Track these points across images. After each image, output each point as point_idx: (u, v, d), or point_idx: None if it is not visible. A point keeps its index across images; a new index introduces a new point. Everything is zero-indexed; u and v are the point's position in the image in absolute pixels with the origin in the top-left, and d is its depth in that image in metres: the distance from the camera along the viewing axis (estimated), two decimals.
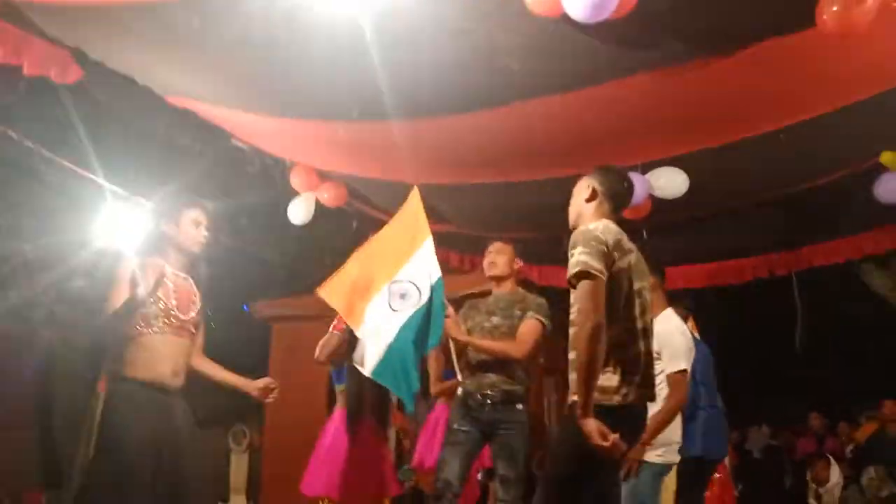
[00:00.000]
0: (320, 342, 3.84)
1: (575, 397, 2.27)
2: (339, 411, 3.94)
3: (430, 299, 3.36)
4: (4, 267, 6.57)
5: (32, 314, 7.44)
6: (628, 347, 2.37)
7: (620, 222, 2.59)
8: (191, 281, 2.87)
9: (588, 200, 2.57)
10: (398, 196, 3.87)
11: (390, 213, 5.68)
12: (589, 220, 2.53)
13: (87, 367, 8.90)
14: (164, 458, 2.59)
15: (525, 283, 6.21)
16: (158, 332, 2.68)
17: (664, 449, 3.16)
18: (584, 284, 2.29)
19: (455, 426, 3.43)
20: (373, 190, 5.15)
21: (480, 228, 5.02)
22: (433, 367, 4.13)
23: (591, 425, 2.21)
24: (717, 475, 4.73)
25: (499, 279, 3.75)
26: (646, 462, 3.13)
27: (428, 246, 3.56)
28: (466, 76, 3.39)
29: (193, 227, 2.83)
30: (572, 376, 2.32)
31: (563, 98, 3.50)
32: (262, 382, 3.07)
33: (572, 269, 2.33)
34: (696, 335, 4.81)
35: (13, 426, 10.31)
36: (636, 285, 2.41)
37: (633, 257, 2.44)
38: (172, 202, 2.89)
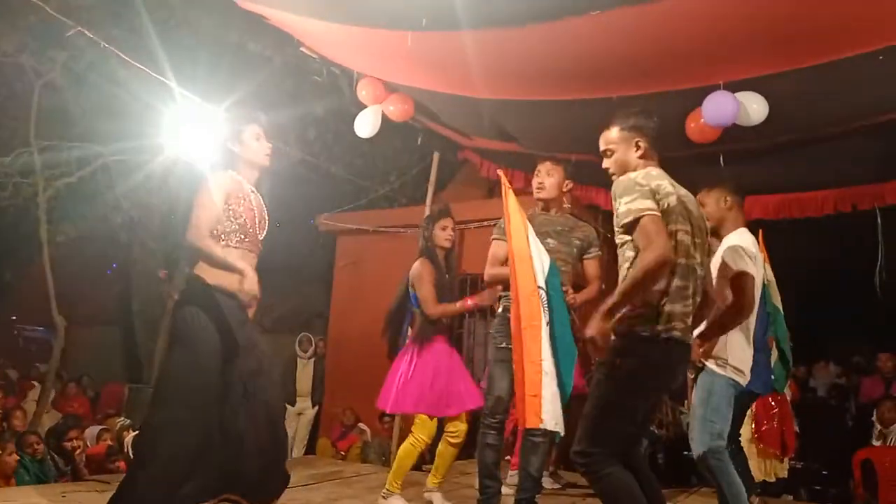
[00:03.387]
0: (441, 308, 3.73)
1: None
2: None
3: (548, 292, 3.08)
4: (85, 169, 6.84)
5: (112, 217, 7.75)
6: (666, 283, 2.45)
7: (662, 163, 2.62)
8: (261, 197, 2.95)
9: (639, 155, 2.62)
10: (463, 111, 3.78)
11: (455, 130, 5.63)
12: (633, 167, 2.60)
13: (163, 266, 9.34)
14: (239, 359, 2.68)
15: (591, 208, 6.12)
16: (235, 247, 2.76)
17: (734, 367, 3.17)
18: (642, 223, 2.40)
19: (503, 344, 3.42)
20: (438, 105, 5.05)
21: (547, 148, 4.89)
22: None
23: (601, 326, 2.34)
24: (776, 410, 4.67)
25: (547, 202, 3.56)
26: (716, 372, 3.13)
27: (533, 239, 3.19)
28: None
29: (255, 141, 2.90)
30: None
31: (641, 9, 3.31)
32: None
33: (624, 218, 2.43)
34: (768, 267, 4.68)
35: (97, 322, 11.04)
36: (671, 227, 2.47)
37: (673, 200, 2.49)
38: (231, 121, 2.94)
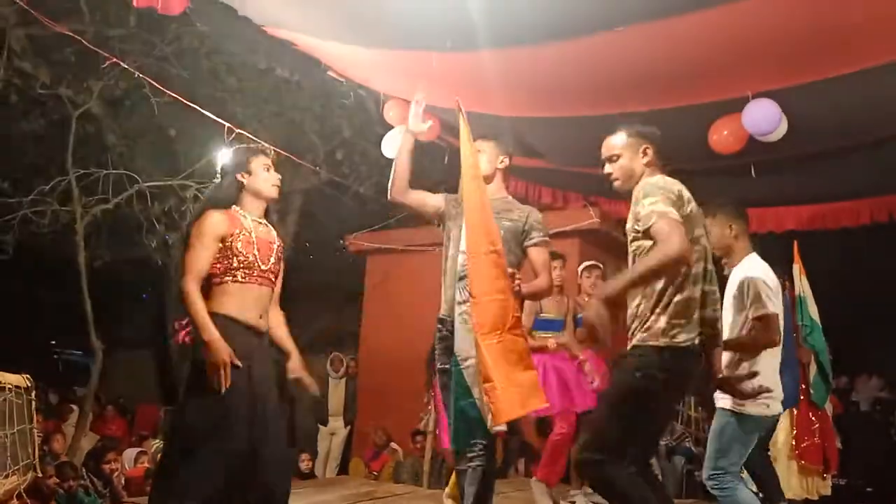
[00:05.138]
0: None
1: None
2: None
3: None
4: (122, 195, 6.98)
5: (147, 241, 7.90)
6: (681, 291, 2.41)
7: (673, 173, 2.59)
8: (270, 227, 2.92)
9: (646, 162, 2.58)
10: (489, 130, 3.78)
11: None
12: (639, 174, 2.57)
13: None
14: (256, 391, 2.67)
15: (621, 222, 6.08)
16: (241, 282, 2.74)
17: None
18: (662, 223, 2.33)
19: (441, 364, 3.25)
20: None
21: (572, 163, 4.88)
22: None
23: (602, 312, 2.25)
24: (817, 425, 4.56)
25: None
26: (721, 409, 3.03)
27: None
28: (561, 1, 3.24)
29: (265, 172, 2.87)
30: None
31: (663, 24, 3.30)
32: (296, 360, 2.99)
33: (646, 220, 2.35)
34: (804, 279, 4.59)
35: (133, 345, 11.21)
36: (695, 232, 2.45)
37: (692, 207, 2.47)
38: (240, 151, 2.94)
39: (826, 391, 4.59)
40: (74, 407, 7.96)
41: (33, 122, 7.62)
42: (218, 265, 2.71)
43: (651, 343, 2.38)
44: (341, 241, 8.36)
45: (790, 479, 4.27)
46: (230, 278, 2.72)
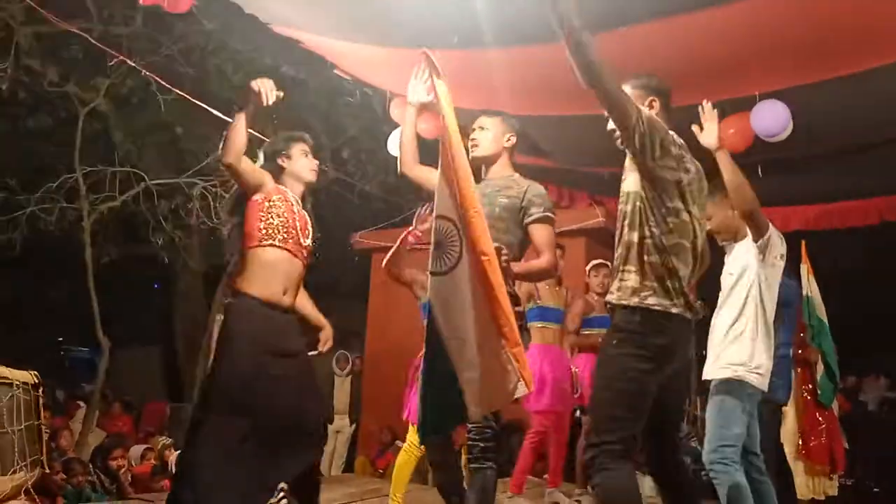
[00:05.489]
0: None
1: None
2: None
3: None
4: (128, 193, 7.01)
5: (154, 239, 7.93)
6: (651, 255, 2.37)
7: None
8: (307, 212, 3.04)
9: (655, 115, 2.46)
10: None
11: None
12: None
13: (203, 293, 9.51)
14: (279, 374, 2.73)
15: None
16: (279, 246, 2.80)
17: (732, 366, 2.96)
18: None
19: None
20: (469, 122, 5.08)
21: (579, 162, 4.87)
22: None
23: None
24: (824, 425, 4.54)
25: (486, 162, 2.96)
26: (721, 380, 2.97)
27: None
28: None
29: (304, 157, 3.01)
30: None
31: (670, 22, 3.29)
32: (328, 332, 3.23)
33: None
34: (812, 278, 4.56)
35: (139, 342, 11.27)
36: (673, 203, 2.37)
37: (689, 178, 2.40)
38: (281, 137, 3.07)
39: (833, 391, 4.57)
40: (81, 403, 7.99)
41: (41, 120, 7.66)
42: (259, 222, 2.79)
43: (623, 302, 2.36)
44: (347, 240, 8.37)
45: (797, 479, 4.25)
46: (269, 241, 2.78)
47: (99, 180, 6.94)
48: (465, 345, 2.34)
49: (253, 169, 2.86)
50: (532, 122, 4.63)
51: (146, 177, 7.04)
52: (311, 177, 3.02)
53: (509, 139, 2.94)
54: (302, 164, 3.00)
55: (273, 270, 2.79)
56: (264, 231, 2.79)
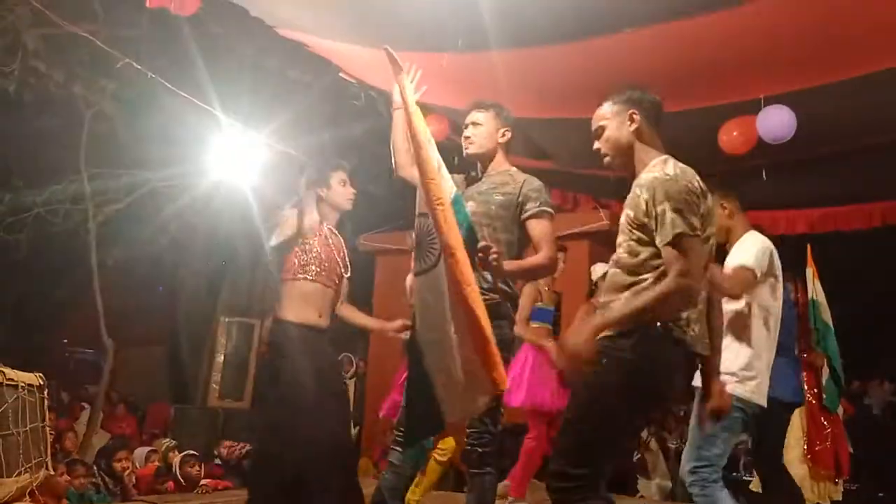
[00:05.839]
0: None
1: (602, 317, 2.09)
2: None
3: None
4: (133, 195, 7.03)
5: (159, 240, 7.95)
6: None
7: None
8: (341, 237, 3.24)
9: (632, 129, 2.24)
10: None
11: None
12: (642, 153, 2.25)
13: (207, 294, 9.52)
14: (317, 391, 2.96)
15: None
16: (310, 280, 3.04)
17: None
18: (686, 244, 2.03)
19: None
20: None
21: (583, 165, 4.87)
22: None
23: (590, 343, 2.01)
24: (829, 429, 4.52)
25: (480, 158, 2.87)
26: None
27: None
28: (573, 2, 3.24)
29: (342, 187, 3.17)
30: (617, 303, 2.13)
31: (673, 26, 3.29)
32: (398, 323, 3.31)
33: (671, 229, 2.03)
34: (817, 282, 4.55)
35: (144, 343, 11.27)
36: (707, 231, 2.16)
37: (709, 202, 2.18)
38: (321, 166, 3.23)
39: (838, 395, 4.55)
40: (86, 405, 8.01)
41: (47, 122, 7.67)
42: (296, 259, 3.03)
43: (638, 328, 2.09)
44: (352, 242, 8.37)
45: (801, 484, 4.23)
46: (303, 275, 3.02)
47: (104, 182, 6.96)
48: (440, 346, 2.26)
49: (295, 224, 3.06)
50: (537, 124, 4.64)
51: (151, 179, 7.06)
52: (347, 206, 3.19)
53: (504, 134, 2.83)
54: (340, 192, 3.16)
55: (306, 300, 3.05)
56: (298, 267, 3.04)
